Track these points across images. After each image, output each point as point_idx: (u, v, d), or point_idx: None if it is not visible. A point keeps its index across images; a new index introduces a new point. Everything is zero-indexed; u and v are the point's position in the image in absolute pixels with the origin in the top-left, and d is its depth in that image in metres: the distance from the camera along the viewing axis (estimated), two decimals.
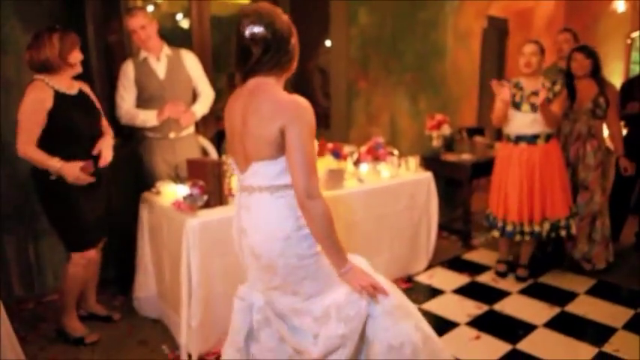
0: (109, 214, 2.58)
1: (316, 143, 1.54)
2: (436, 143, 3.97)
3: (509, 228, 3.12)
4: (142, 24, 2.74)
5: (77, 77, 2.48)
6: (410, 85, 4.46)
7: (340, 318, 1.50)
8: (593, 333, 2.60)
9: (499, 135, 3.45)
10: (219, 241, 2.33)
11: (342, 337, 1.50)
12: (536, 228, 3.07)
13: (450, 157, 3.96)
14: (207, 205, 2.39)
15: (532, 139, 3.04)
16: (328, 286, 1.53)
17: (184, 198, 2.36)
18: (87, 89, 2.46)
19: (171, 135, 2.92)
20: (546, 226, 3.07)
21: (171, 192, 2.62)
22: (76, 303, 2.55)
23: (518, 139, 3.07)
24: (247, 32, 1.43)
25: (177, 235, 2.32)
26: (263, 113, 1.42)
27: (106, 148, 2.43)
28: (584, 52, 3.20)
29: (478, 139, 4.10)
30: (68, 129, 2.28)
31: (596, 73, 3.20)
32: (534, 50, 3.00)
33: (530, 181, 3.03)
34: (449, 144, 4.11)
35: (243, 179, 1.55)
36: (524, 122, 3.02)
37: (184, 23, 4.41)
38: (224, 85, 4.82)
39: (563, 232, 3.09)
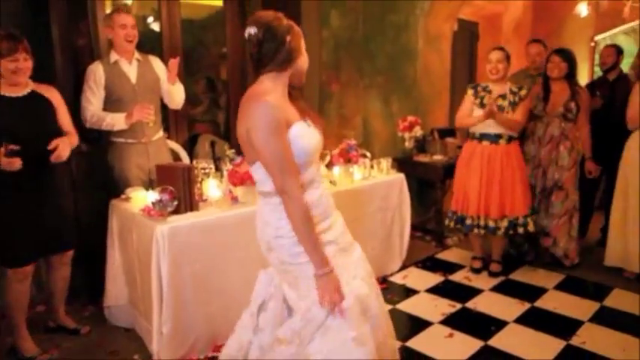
0: (67, 224, 2.47)
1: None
2: (408, 145, 4.02)
3: (467, 222, 3.22)
4: (134, 23, 2.77)
5: (41, 79, 2.42)
6: (382, 87, 4.49)
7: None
8: (561, 327, 2.66)
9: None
10: (190, 247, 2.31)
11: (296, 336, 1.59)
12: (492, 224, 3.16)
13: (423, 158, 4.02)
14: (177, 210, 2.36)
15: (495, 139, 3.15)
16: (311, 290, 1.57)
17: (153, 204, 2.33)
18: (48, 92, 2.39)
19: (144, 139, 2.87)
20: (504, 223, 3.16)
21: (141, 198, 2.58)
22: (48, 313, 2.47)
23: (482, 137, 3.19)
24: (246, 34, 1.53)
25: (147, 242, 2.28)
26: (241, 114, 1.53)
27: (62, 145, 2.31)
28: (561, 54, 3.29)
29: (449, 140, 4.16)
30: (6, 131, 2.17)
31: (570, 77, 3.29)
32: (500, 57, 3.12)
33: (490, 178, 3.14)
34: (421, 145, 4.17)
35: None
36: (488, 122, 3.12)
37: (155, 26, 4.35)
38: (199, 90, 4.83)
39: (520, 230, 3.19)
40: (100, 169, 3.13)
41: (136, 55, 2.86)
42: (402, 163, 4.01)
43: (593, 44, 6.13)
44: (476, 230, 3.23)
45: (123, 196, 2.69)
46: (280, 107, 1.49)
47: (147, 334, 2.45)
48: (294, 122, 1.52)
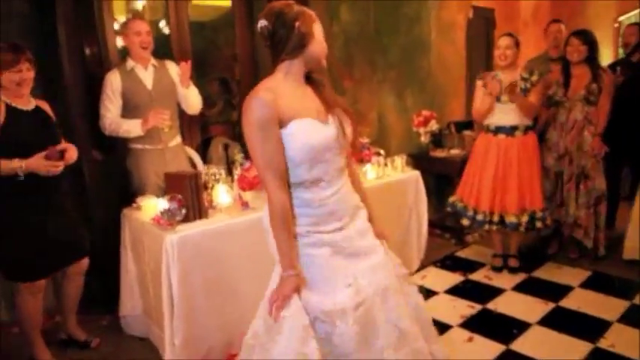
0: (79, 233, 2.47)
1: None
2: (424, 140, 3.92)
3: (479, 217, 3.12)
4: (149, 30, 2.79)
5: (49, 90, 2.42)
6: (396, 82, 4.39)
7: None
8: (588, 328, 2.55)
9: None
10: (200, 255, 2.28)
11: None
12: (512, 219, 3.06)
13: (439, 153, 3.91)
14: (186, 219, 2.33)
15: (510, 131, 3.06)
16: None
17: (162, 213, 2.31)
18: (45, 107, 2.39)
19: (160, 145, 2.88)
20: (525, 217, 3.06)
21: (152, 206, 2.56)
22: (59, 326, 2.48)
23: (498, 130, 3.10)
24: (258, 27, 1.54)
25: (157, 252, 2.26)
26: None
27: (70, 148, 2.34)
28: (580, 37, 3.15)
29: (467, 133, 4.04)
30: (19, 144, 2.18)
31: (592, 60, 3.15)
32: (509, 43, 3.02)
33: (507, 172, 3.05)
34: (437, 140, 4.06)
35: None
36: (503, 113, 3.03)
37: (166, 30, 4.35)
38: (212, 92, 4.81)
39: (539, 224, 3.08)
40: (114, 177, 3.14)
41: (152, 61, 2.89)
42: (419, 159, 3.92)
43: (617, 25, 5.89)
44: (487, 226, 3.13)
45: (134, 205, 2.68)
46: (272, 103, 1.44)
47: (161, 344, 2.43)
48: (295, 118, 1.47)
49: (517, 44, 3.03)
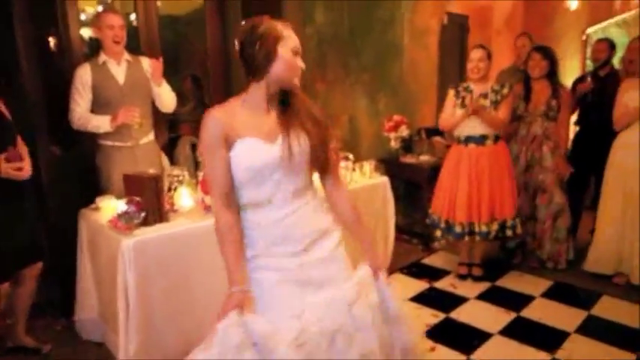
0: (35, 235, 2.37)
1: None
2: (394, 145, 3.92)
3: (457, 229, 3.12)
4: (123, 24, 2.72)
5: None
6: (368, 85, 4.37)
7: None
8: (547, 338, 2.58)
9: None
10: (159, 260, 2.21)
11: None
12: (484, 228, 3.08)
13: (409, 159, 3.92)
14: (145, 222, 2.25)
15: (481, 140, 3.07)
16: None
17: (119, 216, 2.22)
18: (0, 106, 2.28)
19: (130, 142, 2.80)
20: (495, 226, 3.09)
21: (111, 208, 2.46)
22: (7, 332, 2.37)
23: (468, 140, 3.10)
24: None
25: (114, 255, 2.18)
26: None
27: (26, 156, 2.27)
28: (542, 52, 3.20)
29: (437, 139, 4.05)
30: None
31: (552, 75, 3.19)
32: (482, 56, 3.04)
33: (480, 182, 3.06)
34: (408, 145, 4.06)
35: None
36: (472, 123, 3.05)
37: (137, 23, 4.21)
38: (185, 89, 4.69)
39: (509, 232, 3.12)
40: (73, 175, 3.03)
41: (126, 56, 2.81)
42: (388, 164, 3.91)
43: (584, 37, 6.02)
44: (467, 238, 3.14)
45: (93, 206, 2.58)
46: (222, 123, 1.44)
47: (117, 349, 2.34)
48: (240, 138, 1.43)
49: (489, 56, 3.05)
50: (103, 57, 2.74)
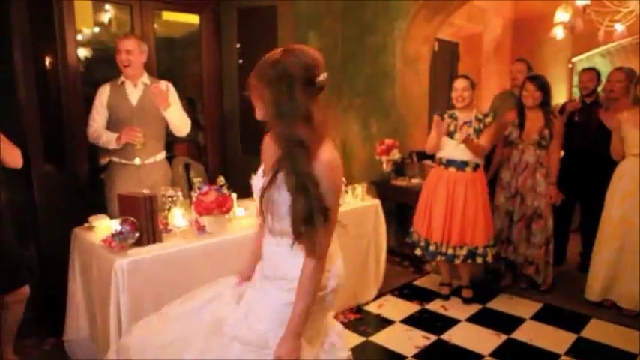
0: (17, 260, 2.34)
1: None
2: (386, 168, 3.97)
3: (432, 248, 3.18)
4: (129, 48, 2.83)
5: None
6: (361, 109, 4.46)
7: None
8: None
9: None
10: (152, 281, 2.20)
11: None
12: (450, 251, 3.14)
13: (401, 182, 3.97)
14: (139, 242, 2.26)
15: (461, 166, 3.16)
16: None
17: (114, 235, 2.23)
18: None
19: (137, 161, 2.90)
20: (463, 251, 3.14)
21: (106, 227, 2.47)
22: None
23: (449, 163, 3.19)
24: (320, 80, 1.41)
25: (107, 275, 2.17)
26: None
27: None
28: (536, 82, 3.28)
29: (428, 163, 4.11)
30: None
31: (544, 104, 3.29)
32: (465, 85, 3.13)
33: (455, 205, 3.13)
34: (399, 168, 4.12)
35: None
36: (456, 149, 3.13)
37: None
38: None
39: (479, 260, 3.17)
40: (67, 194, 3.04)
41: (144, 78, 2.96)
42: (380, 187, 3.97)
43: (570, 65, 6.20)
44: (439, 257, 3.19)
45: (86, 225, 2.59)
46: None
47: None
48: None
49: (473, 86, 3.15)
50: (122, 78, 2.91)
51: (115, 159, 2.94)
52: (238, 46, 4.12)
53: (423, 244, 3.27)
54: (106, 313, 2.17)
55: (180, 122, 2.99)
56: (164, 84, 2.97)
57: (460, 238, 3.13)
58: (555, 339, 2.82)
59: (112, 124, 2.89)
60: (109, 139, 2.85)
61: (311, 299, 1.42)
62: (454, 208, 3.13)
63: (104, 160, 3.28)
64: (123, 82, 2.91)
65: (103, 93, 2.89)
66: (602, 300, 3.20)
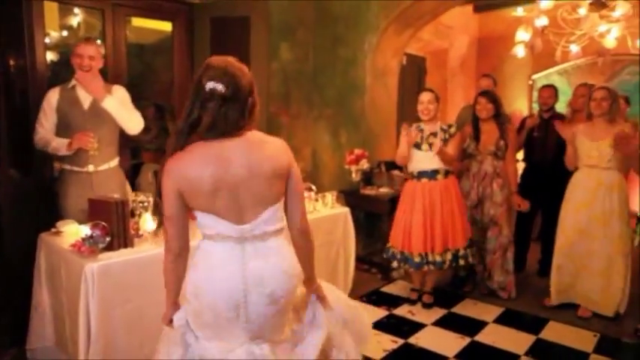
0: None
1: None
2: (355, 177, 4.06)
3: (416, 259, 3.27)
4: (92, 54, 2.77)
5: None
6: (331, 120, 4.55)
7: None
8: None
9: None
10: (123, 286, 2.20)
11: None
12: (438, 258, 3.24)
13: (369, 191, 4.06)
14: (110, 247, 2.25)
15: (432, 175, 3.28)
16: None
17: (84, 240, 2.21)
18: None
19: (89, 168, 2.82)
20: (448, 256, 3.25)
21: (74, 232, 2.45)
22: None
23: (420, 175, 3.30)
24: (211, 87, 1.44)
25: (76, 280, 2.15)
26: (271, 161, 1.52)
27: None
28: (487, 96, 3.47)
29: (396, 172, 4.23)
30: None
31: (497, 116, 3.46)
32: (430, 99, 3.27)
33: (433, 214, 3.24)
34: (368, 178, 4.22)
35: (252, 229, 1.52)
36: (424, 160, 3.26)
37: (103, 49, 4.24)
38: (147, 117, 4.70)
39: (462, 262, 3.29)
40: (31, 199, 2.98)
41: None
42: (350, 196, 4.05)
43: (531, 82, 6.50)
44: (425, 267, 3.28)
45: (53, 230, 2.55)
46: None
47: None
48: None
49: (437, 99, 3.30)
50: (73, 82, 2.81)
51: (67, 166, 2.83)
52: (211, 55, 4.15)
53: (399, 257, 3.34)
54: (75, 318, 2.15)
55: (126, 117, 2.87)
56: (117, 88, 2.94)
57: (443, 244, 3.23)
58: (516, 341, 2.94)
59: (63, 130, 2.78)
60: (58, 145, 2.73)
61: None
62: (434, 217, 3.23)
63: (57, 167, 3.11)
64: (74, 87, 2.81)
65: (52, 97, 2.78)
66: (561, 304, 3.35)
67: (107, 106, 2.79)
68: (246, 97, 1.49)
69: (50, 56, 4.40)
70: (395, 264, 3.40)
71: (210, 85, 1.44)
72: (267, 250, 1.54)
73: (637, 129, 3.15)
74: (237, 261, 1.51)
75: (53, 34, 4.48)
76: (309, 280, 1.74)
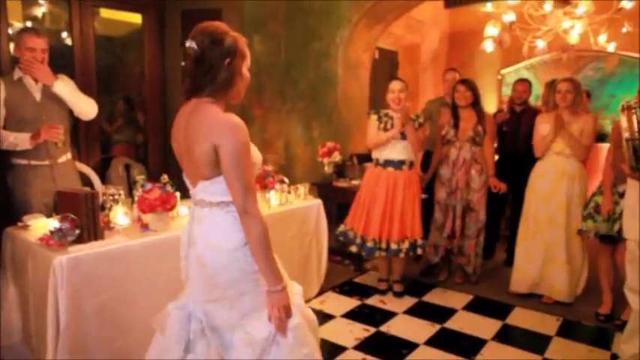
0: None
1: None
2: (328, 170, 4.10)
3: (369, 244, 3.34)
4: (44, 47, 2.67)
5: None
6: (303, 112, 4.57)
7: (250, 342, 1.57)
8: (467, 346, 2.80)
9: None
10: (93, 278, 2.17)
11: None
12: (394, 246, 3.32)
13: (342, 183, 4.11)
14: (79, 240, 2.22)
15: (398, 165, 3.35)
16: (263, 305, 1.55)
17: (52, 233, 2.18)
18: None
19: (48, 161, 2.73)
20: (405, 244, 3.33)
21: (41, 226, 2.41)
22: None
23: (387, 163, 3.37)
24: (187, 45, 1.46)
25: (44, 274, 2.11)
26: (199, 133, 1.46)
27: None
28: (466, 84, 3.55)
29: (368, 165, 4.27)
30: None
31: (475, 103, 3.54)
32: (401, 87, 3.34)
33: (394, 203, 3.31)
34: (340, 170, 4.26)
35: (195, 194, 1.59)
36: (393, 149, 3.34)
37: (69, 41, 4.15)
38: (117, 109, 4.63)
39: (419, 251, 3.39)
40: None
41: None
42: (322, 188, 4.08)
43: (500, 77, 6.66)
44: (377, 253, 3.35)
45: (20, 224, 2.50)
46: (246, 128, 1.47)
47: None
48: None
49: (407, 88, 3.37)
50: (18, 73, 2.68)
51: (21, 160, 2.70)
52: (182, 47, 4.11)
53: (359, 241, 3.41)
54: (43, 313, 2.12)
55: (79, 101, 2.79)
56: (65, 78, 2.83)
57: (401, 233, 3.31)
58: (484, 326, 3.04)
59: (13, 123, 2.64)
60: (17, 141, 2.60)
61: None
62: (394, 206, 3.31)
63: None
64: (20, 79, 2.68)
65: None
66: (527, 293, 3.46)
67: (58, 91, 2.69)
68: (217, 60, 1.45)
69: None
70: (354, 248, 3.44)
71: (187, 43, 1.47)
72: (203, 218, 1.57)
73: (597, 122, 3.28)
74: (189, 220, 1.65)
75: (17, 25, 4.35)
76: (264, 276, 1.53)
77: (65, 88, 2.73)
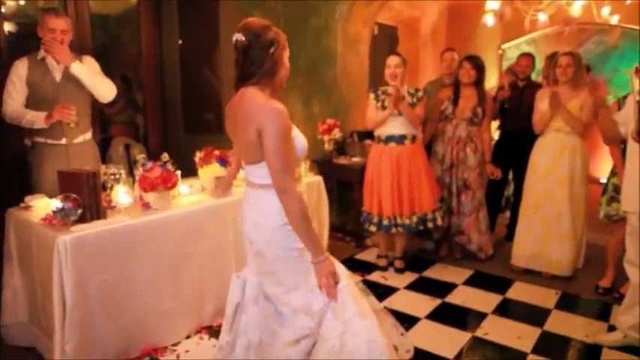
0: None
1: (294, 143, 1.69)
2: (328, 147, 4.08)
3: (385, 222, 3.35)
4: (64, 28, 2.69)
5: None
6: (303, 90, 4.52)
7: (308, 312, 1.69)
8: (468, 320, 2.84)
9: None
10: (97, 257, 2.19)
11: (309, 329, 1.69)
12: (406, 221, 3.33)
13: (342, 160, 4.10)
14: (82, 219, 2.23)
15: (400, 140, 3.33)
16: (307, 282, 1.68)
17: (55, 212, 2.19)
18: None
19: (64, 140, 2.76)
20: (414, 219, 3.34)
21: (44, 206, 2.41)
22: None
23: (388, 139, 3.35)
24: (233, 40, 1.61)
25: (48, 254, 2.13)
26: (246, 117, 1.60)
27: None
28: (472, 61, 3.50)
29: (368, 142, 4.27)
30: None
31: (478, 82, 3.50)
32: (398, 62, 3.29)
33: (400, 178, 3.31)
34: (341, 147, 4.25)
35: (246, 175, 1.76)
36: (393, 124, 3.31)
37: None
38: (117, 88, 4.58)
39: (430, 225, 3.38)
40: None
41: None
42: (323, 165, 4.07)
43: (500, 52, 6.59)
44: (394, 230, 3.36)
45: (22, 205, 2.51)
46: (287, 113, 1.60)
47: (49, 353, 2.29)
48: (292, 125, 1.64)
49: (404, 63, 3.32)
50: (42, 53, 2.71)
51: (40, 139, 2.75)
52: (179, 24, 4.05)
53: (376, 220, 3.41)
54: (49, 292, 2.15)
55: (97, 83, 2.80)
56: (88, 59, 2.86)
57: (410, 207, 3.32)
58: (484, 300, 3.08)
59: (34, 102, 2.69)
60: (34, 118, 2.65)
61: None
62: (400, 181, 3.30)
63: (28, 142, 2.99)
64: (43, 58, 2.71)
65: (21, 68, 2.66)
66: (527, 268, 3.49)
67: (76, 72, 2.71)
68: (262, 50, 1.60)
69: (7, 27, 4.22)
70: (373, 228, 3.45)
71: (233, 37, 1.61)
72: (251, 198, 1.74)
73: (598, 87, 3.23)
74: (243, 197, 1.81)
75: (10, 4, 4.27)
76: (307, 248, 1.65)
77: (83, 69, 2.74)
